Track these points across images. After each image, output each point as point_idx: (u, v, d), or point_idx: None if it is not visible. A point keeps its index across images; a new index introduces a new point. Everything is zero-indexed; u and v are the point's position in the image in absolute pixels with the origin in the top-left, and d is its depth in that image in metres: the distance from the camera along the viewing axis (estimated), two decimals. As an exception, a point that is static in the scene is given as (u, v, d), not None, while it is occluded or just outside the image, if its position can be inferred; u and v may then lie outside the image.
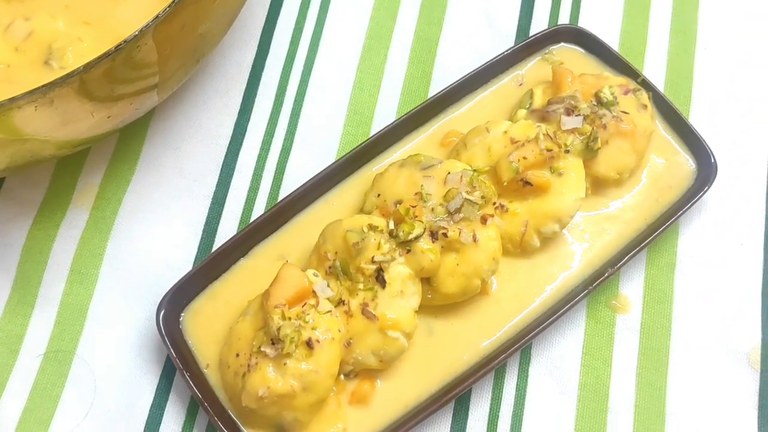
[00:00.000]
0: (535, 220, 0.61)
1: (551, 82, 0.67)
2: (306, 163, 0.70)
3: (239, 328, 0.58)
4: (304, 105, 0.73)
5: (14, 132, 0.52)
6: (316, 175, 0.65)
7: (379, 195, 0.61)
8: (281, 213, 0.65)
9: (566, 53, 0.71)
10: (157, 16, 0.51)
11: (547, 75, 0.68)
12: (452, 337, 0.61)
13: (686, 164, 0.67)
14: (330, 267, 0.58)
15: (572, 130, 0.62)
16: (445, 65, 0.74)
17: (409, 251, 0.57)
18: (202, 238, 0.67)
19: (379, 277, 0.57)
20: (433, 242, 0.57)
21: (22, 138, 0.53)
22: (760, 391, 0.62)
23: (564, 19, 0.75)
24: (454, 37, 0.75)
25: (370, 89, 0.73)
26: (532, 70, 0.71)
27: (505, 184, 0.60)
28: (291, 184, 0.68)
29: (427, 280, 0.59)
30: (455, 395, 0.58)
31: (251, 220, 0.66)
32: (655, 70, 0.73)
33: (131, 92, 0.57)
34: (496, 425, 0.61)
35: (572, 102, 0.63)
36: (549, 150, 0.61)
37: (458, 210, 0.58)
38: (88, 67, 0.49)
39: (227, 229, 0.68)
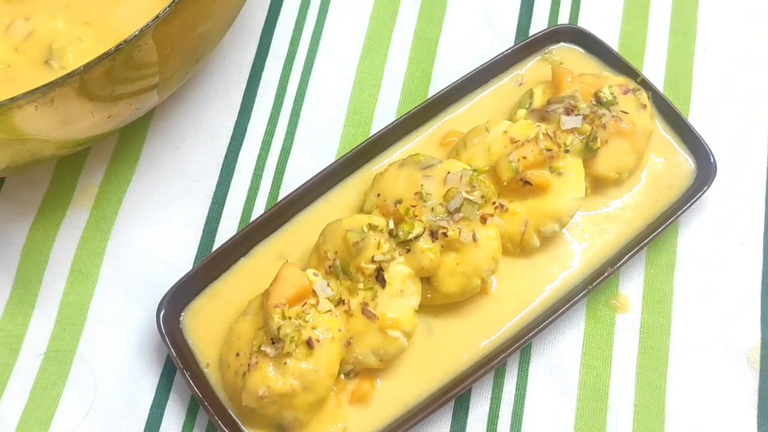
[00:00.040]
0: (535, 219, 0.61)
1: (551, 82, 0.67)
2: (306, 163, 0.70)
3: (239, 328, 0.58)
4: (304, 105, 0.73)
5: (15, 132, 0.52)
6: (316, 174, 0.65)
7: (379, 195, 0.61)
8: (281, 213, 0.65)
9: (566, 53, 0.71)
10: (157, 16, 0.51)
11: (547, 75, 0.68)
12: (452, 337, 0.61)
13: (686, 164, 0.67)
14: (330, 266, 0.58)
15: (572, 130, 0.62)
16: (444, 65, 0.74)
17: (408, 251, 0.57)
18: (202, 238, 0.67)
19: (379, 277, 0.57)
20: (432, 242, 0.58)
21: (22, 138, 0.53)
22: (759, 391, 0.62)
23: (564, 18, 0.75)
24: (454, 37, 0.75)
25: (370, 89, 0.73)
26: (532, 69, 0.71)
27: (505, 183, 0.61)
28: (291, 183, 0.68)
29: (427, 280, 0.59)
30: (455, 394, 0.58)
31: (251, 220, 0.66)
32: (654, 70, 0.73)
33: (131, 92, 0.57)
34: (496, 424, 0.61)
35: (572, 102, 0.63)
36: (549, 150, 0.61)
37: (458, 209, 0.58)
38: (89, 67, 0.49)
39: (227, 229, 0.68)
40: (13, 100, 0.48)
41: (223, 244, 0.63)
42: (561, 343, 0.63)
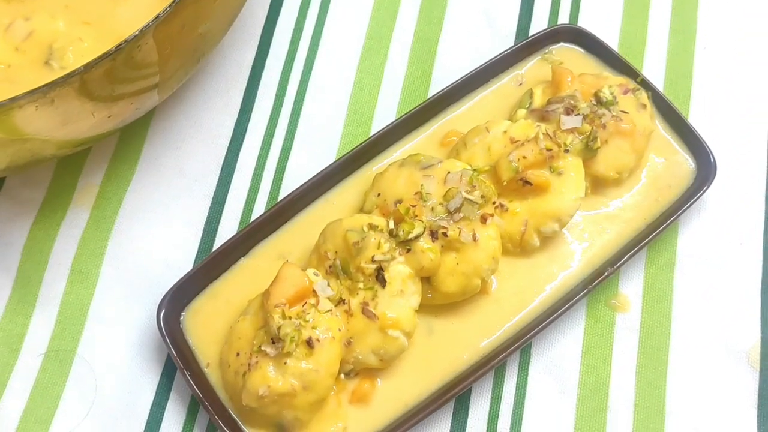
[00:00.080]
0: (535, 219, 0.61)
1: (551, 82, 0.67)
2: (306, 163, 0.70)
3: (240, 328, 0.58)
4: (305, 105, 0.73)
5: (15, 132, 0.52)
6: (316, 174, 0.65)
7: (379, 194, 0.61)
8: (281, 212, 0.65)
9: (566, 53, 0.71)
10: (157, 16, 0.51)
11: (547, 75, 0.68)
12: (452, 336, 0.61)
13: (685, 164, 0.67)
14: (330, 266, 0.58)
15: (572, 130, 0.62)
16: (445, 65, 0.74)
17: (409, 250, 0.57)
18: (202, 238, 0.67)
19: (379, 277, 0.57)
20: (433, 241, 0.58)
21: (22, 138, 0.53)
22: (759, 390, 0.62)
23: (563, 18, 0.75)
24: (454, 37, 0.75)
25: (370, 89, 0.73)
26: (532, 69, 0.71)
27: (505, 183, 0.61)
28: (291, 183, 0.68)
29: (427, 280, 0.59)
30: (455, 394, 0.58)
31: (251, 220, 0.66)
32: (654, 70, 0.73)
33: (132, 92, 0.57)
34: (496, 424, 0.61)
35: (572, 101, 0.63)
36: (549, 149, 0.61)
37: (458, 209, 0.58)
38: (89, 66, 0.50)
39: (227, 229, 0.68)
40: (13, 99, 0.48)
41: (224, 244, 0.63)
42: (561, 343, 0.63)
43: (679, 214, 0.63)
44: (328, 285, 0.57)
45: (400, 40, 0.75)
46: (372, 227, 0.58)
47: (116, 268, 0.66)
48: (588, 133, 0.62)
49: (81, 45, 0.60)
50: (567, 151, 0.62)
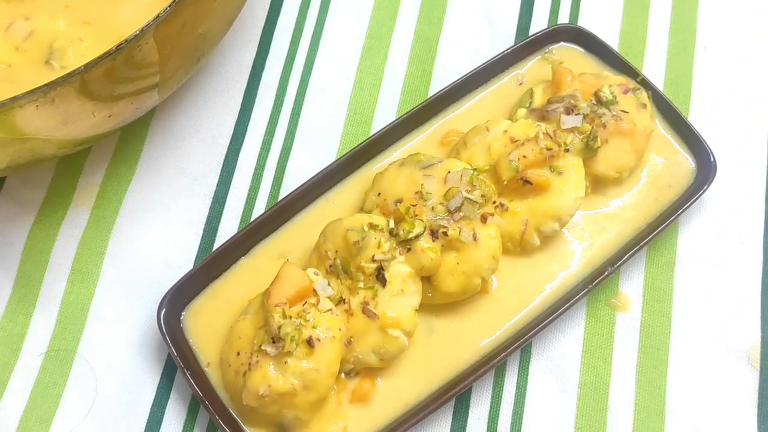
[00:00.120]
0: (535, 218, 0.61)
1: (551, 82, 0.67)
2: (306, 163, 0.70)
3: (240, 327, 0.58)
4: (305, 104, 0.73)
5: (15, 131, 0.52)
6: (317, 174, 0.65)
7: (379, 194, 0.61)
8: (282, 212, 0.65)
9: (566, 52, 0.71)
10: (157, 16, 0.51)
11: (547, 74, 0.69)
12: (452, 336, 0.61)
13: (686, 163, 0.67)
14: (330, 266, 0.58)
15: (572, 129, 0.62)
16: (445, 65, 0.74)
17: (409, 250, 0.57)
18: (202, 238, 0.67)
19: (380, 276, 0.57)
20: (433, 241, 0.58)
21: (23, 137, 0.53)
22: (759, 390, 0.62)
23: (564, 18, 0.75)
24: (454, 37, 0.75)
25: (370, 89, 0.73)
26: (532, 69, 0.71)
27: (505, 182, 0.61)
28: (291, 183, 0.68)
29: (427, 279, 0.59)
30: (455, 393, 0.58)
31: (252, 219, 0.66)
32: (654, 69, 0.73)
33: (132, 92, 0.57)
34: (497, 423, 0.61)
35: (572, 101, 0.63)
36: (549, 149, 0.61)
37: (458, 209, 0.58)
38: (89, 66, 0.50)
39: (228, 228, 0.68)
40: (14, 99, 0.48)
41: (224, 244, 0.63)
42: (561, 342, 0.63)
43: (679, 214, 0.63)
44: (329, 284, 0.57)
45: (401, 40, 0.75)
46: (372, 227, 0.58)
47: (117, 268, 0.66)
48: (588, 133, 0.62)
49: (81, 45, 0.60)
50: (567, 150, 0.62)
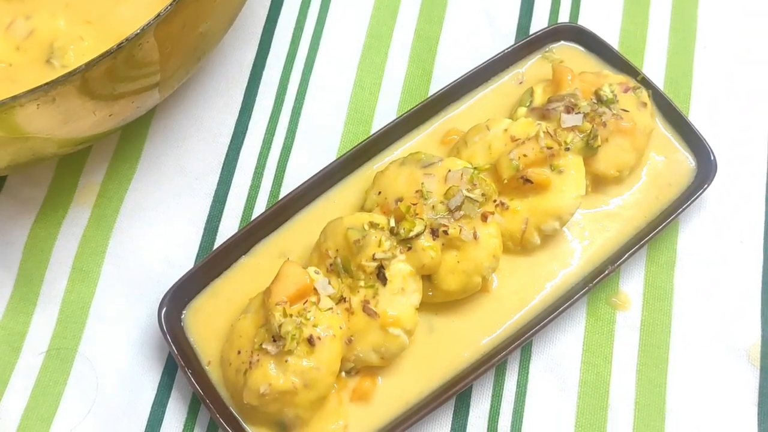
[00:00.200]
0: (536, 217, 0.61)
1: (551, 81, 0.67)
2: (307, 162, 0.70)
3: (241, 326, 0.58)
4: (305, 103, 0.73)
5: (16, 130, 0.52)
6: (317, 173, 0.65)
7: (380, 193, 0.61)
8: (282, 211, 0.65)
9: (566, 51, 0.71)
10: (158, 15, 0.51)
11: (548, 73, 0.69)
12: (453, 335, 0.61)
13: (686, 162, 0.67)
14: (331, 264, 0.58)
15: (572, 128, 0.62)
16: (445, 64, 0.74)
17: (409, 248, 0.57)
18: (203, 236, 0.67)
19: (380, 275, 0.57)
20: (433, 240, 0.58)
21: (24, 136, 0.53)
22: (759, 388, 0.62)
23: (564, 17, 0.76)
24: (455, 36, 0.75)
25: (370, 88, 0.73)
26: (533, 68, 0.71)
27: (506, 181, 0.61)
28: (292, 182, 0.68)
29: (427, 278, 0.59)
30: (456, 392, 0.58)
31: (252, 218, 0.66)
32: (654, 68, 0.73)
33: (133, 90, 0.57)
34: (497, 422, 0.61)
35: (572, 100, 0.63)
36: (549, 148, 0.61)
37: (459, 207, 0.58)
38: (90, 65, 0.50)
39: (228, 227, 0.68)
40: (15, 98, 0.48)
41: (225, 242, 0.63)
42: (562, 341, 0.63)
43: (680, 213, 0.64)
44: (329, 283, 0.57)
45: (401, 39, 0.75)
46: (373, 225, 0.58)
47: (117, 267, 0.66)
48: (588, 132, 0.62)
49: (82, 44, 0.60)
50: (567, 149, 0.62)
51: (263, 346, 0.55)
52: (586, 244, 0.64)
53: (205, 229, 0.68)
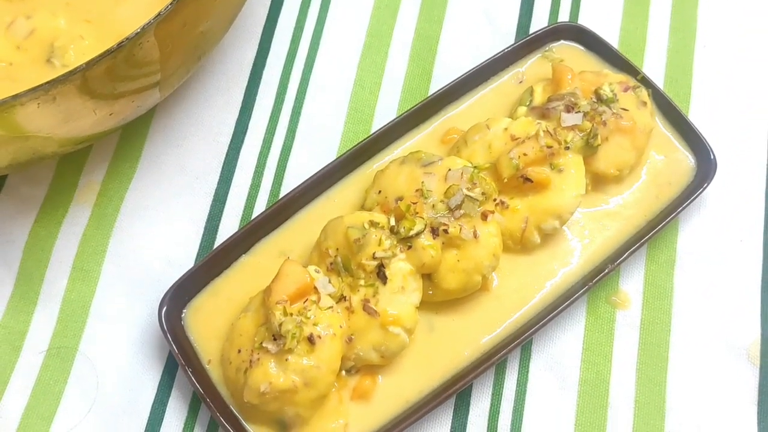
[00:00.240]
0: (536, 216, 0.61)
1: (551, 80, 0.67)
2: (307, 161, 0.70)
3: (241, 324, 0.58)
4: (305, 103, 0.73)
5: (17, 129, 0.52)
6: (317, 172, 0.65)
7: (380, 192, 0.62)
8: (282, 210, 0.65)
9: (566, 51, 0.72)
10: (158, 14, 0.51)
11: (547, 72, 0.69)
12: (453, 333, 0.61)
13: (686, 161, 0.67)
14: (331, 263, 0.58)
15: (572, 127, 0.63)
16: (445, 63, 0.74)
17: (410, 247, 0.57)
18: (203, 235, 0.67)
19: (380, 273, 0.57)
20: (433, 238, 0.58)
21: (24, 135, 0.53)
22: (759, 387, 0.62)
23: (564, 16, 0.76)
24: (455, 35, 0.75)
25: (370, 87, 0.73)
26: (532, 67, 0.71)
27: (506, 180, 0.61)
28: (292, 181, 0.68)
29: (428, 277, 0.59)
30: (456, 391, 0.58)
31: (252, 217, 0.67)
32: (654, 68, 0.73)
33: (133, 90, 0.57)
34: (497, 420, 0.61)
35: (572, 99, 0.64)
36: (549, 147, 0.61)
37: (459, 206, 0.58)
38: (91, 64, 0.50)
39: (229, 226, 0.68)
40: (15, 97, 0.48)
41: (225, 242, 0.63)
42: (562, 340, 0.64)
43: (680, 211, 0.64)
44: (329, 282, 0.57)
45: (401, 39, 0.75)
46: (373, 224, 0.58)
47: (118, 266, 0.66)
48: (588, 131, 0.62)
49: (82, 43, 0.60)
50: (567, 148, 0.62)
51: (263, 345, 0.55)
52: (586, 242, 0.64)
53: (205, 228, 0.68)
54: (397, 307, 0.57)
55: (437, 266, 0.58)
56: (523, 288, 0.62)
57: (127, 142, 0.71)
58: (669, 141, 0.68)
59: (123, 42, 0.50)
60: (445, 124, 0.69)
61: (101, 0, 0.61)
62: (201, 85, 0.73)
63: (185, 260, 0.66)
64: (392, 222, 0.58)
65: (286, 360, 0.54)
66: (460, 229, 0.58)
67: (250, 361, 0.55)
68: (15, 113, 0.49)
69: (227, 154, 0.70)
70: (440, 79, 0.73)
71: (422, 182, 0.60)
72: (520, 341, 0.59)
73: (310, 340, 0.54)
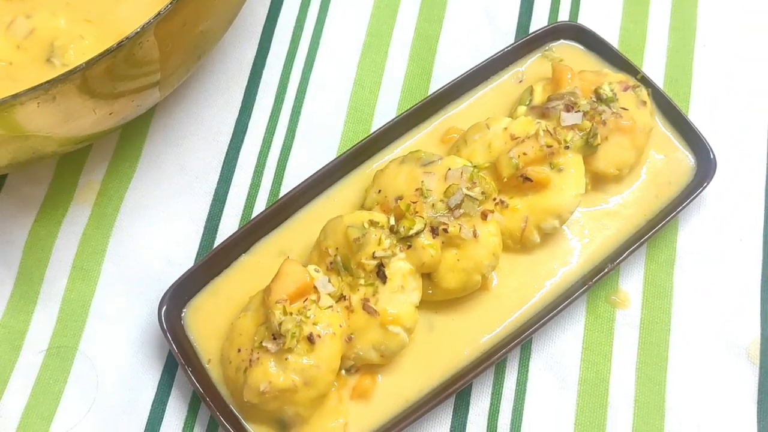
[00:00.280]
0: (535, 215, 0.61)
1: (551, 79, 0.67)
2: (307, 161, 0.70)
3: (241, 324, 0.58)
4: (305, 102, 0.73)
5: (17, 128, 0.52)
6: (317, 171, 0.65)
7: (379, 191, 0.62)
8: (282, 209, 0.65)
9: (566, 50, 0.72)
10: (158, 14, 0.51)
11: (547, 72, 0.69)
12: (453, 333, 0.61)
13: (685, 160, 0.67)
14: (331, 262, 0.58)
15: (572, 127, 0.63)
16: (445, 62, 0.74)
17: (409, 247, 0.57)
18: (203, 235, 0.68)
19: (380, 273, 0.57)
20: (433, 238, 0.58)
21: (24, 134, 0.53)
22: (759, 386, 0.62)
23: (564, 16, 0.76)
24: (454, 35, 0.75)
25: (370, 86, 0.73)
26: (532, 67, 0.71)
27: (505, 180, 0.61)
28: (292, 180, 0.68)
29: (427, 276, 0.59)
30: (456, 390, 0.58)
31: (252, 217, 0.67)
32: (654, 67, 0.73)
33: (133, 89, 0.57)
34: (497, 420, 0.61)
35: (572, 98, 0.64)
36: (549, 146, 0.61)
37: (458, 206, 0.58)
38: (90, 63, 0.50)
39: (228, 226, 0.68)
40: (15, 96, 0.48)
41: (225, 241, 0.63)
42: (561, 339, 0.64)
43: (679, 211, 0.64)
44: (329, 281, 0.57)
45: (401, 38, 0.75)
46: (373, 224, 0.58)
47: (117, 265, 0.66)
48: (588, 130, 0.62)
49: (82, 42, 0.60)
50: (567, 147, 0.62)
51: (263, 344, 0.55)
52: (585, 242, 0.64)
53: (205, 227, 0.68)
54: (396, 306, 0.57)
55: (437, 265, 0.58)
56: (523, 287, 0.62)
57: (126, 142, 0.71)
58: (669, 140, 0.68)
59: (123, 41, 0.50)
60: (444, 124, 0.69)
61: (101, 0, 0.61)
62: (201, 84, 0.73)
63: (185, 260, 0.66)
64: (392, 221, 0.58)
65: (286, 359, 0.54)
66: (460, 228, 0.58)
67: (250, 361, 0.55)
68: (15, 112, 0.49)
69: (227, 154, 0.71)
70: (440, 79, 0.73)
71: (422, 182, 0.60)
72: (520, 340, 0.59)
73: (310, 339, 0.54)
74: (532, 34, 0.71)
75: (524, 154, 0.60)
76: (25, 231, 0.67)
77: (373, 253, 0.57)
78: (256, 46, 0.75)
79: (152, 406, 0.62)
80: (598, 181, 0.65)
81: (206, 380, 0.59)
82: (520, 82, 0.70)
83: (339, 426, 0.58)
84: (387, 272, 0.57)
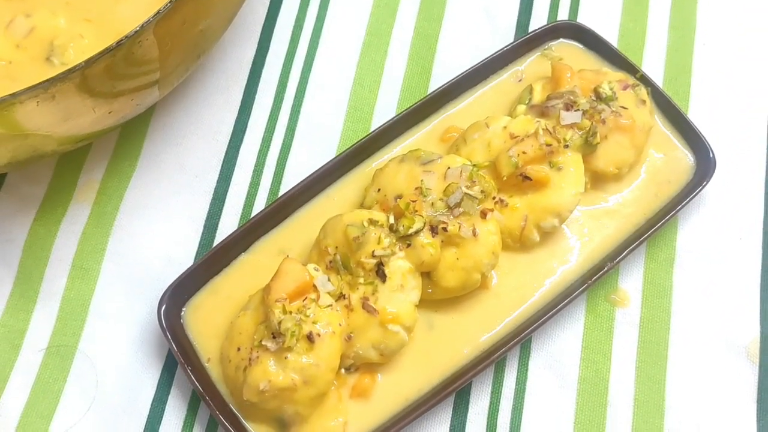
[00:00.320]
0: (535, 214, 0.61)
1: (550, 78, 0.67)
2: (306, 159, 0.70)
3: (240, 323, 0.58)
4: (305, 101, 0.73)
5: (16, 127, 0.52)
6: (317, 170, 0.65)
7: (379, 190, 0.62)
8: (282, 208, 0.65)
9: (565, 49, 0.72)
10: (157, 13, 0.51)
11: (547, 71, 0.69)
12: (452, 331, 0.61)
13: (685, 159, 0.67)
14: (330, 261, 0.58)
15: (571, 125, 0.63)
16: (444, 61, 0.74)
17: (409, 245, 0.57)
18: (203, 234, 0.68)
19: (380, 272, 0.57)
20: (433, 236, 0.58)
21: (23, 133, 0.53)
22: (759, 384, 0.62)
23: (563, 15, 0.76)
24: (454, 34, 0.75)
25: (370, 85, 0.73)
26: (532, 65, 0.71)
27: (505, 178, 0.61)
28: (291, 179, 0.68)
29: (427, 275, 0.59)
30: (455, 389, 0.58)
31: (252, 216, 0.67)
32: (654, 66, 0.73)
33: (132, 88, 0.57)
34: (496, 419, 0.61)
35: (571, 97, 0.64)
36: (548, 145, 0.61)
37: (458, 204, 0.58)
38: (90, 62, 0.50)
39: (228, 225, 0.68)
40: (14, 95, 0.48)
41: (224, 240, 0.63)
42: (561, 338, 0.64)
43: (679, 210, 0.64)
44: (329, 280, 0.57)
45: (400, 37, 0.75)
46: (372, 222, 0.58)
47: (117, 264, 0.66)
48: (587, 129, 0.62)
49: (82, 41, 0.60)
50: (566, 146, 0.62)
51: (263, 343, 0.55)
52: (585, 241, 0.64)
53: (204, 226, 0.68)
54: (396, 305, 0.57)
55: (436, 264, 0.58)
56: (523, 286, 0.62)
57: (126, 141, 0.71)
58: (668, 139, 0.68)
59: (122, 40, 0.50)
60: (444, 123, 0.69)
61: (101, -1, 0.62)
62: (200, 83, 0.73)
63: (185, 258, 0.66)
64: (391, 220, 0.58)
65: (286, 358, 0.54)
66: (460, 227, 0.58)
67: (250, 360, 0.55)
68: (14, 111, 0.49)
69: (227, 153, 0.71)
70: (439, 78, 0.73)
71: (421, 180, 0.60)
72: (520, 339, 0.59)
73: (310, 338, 0.54)
74: (531, 33, 0.71)
75: (524, 152, 0.60)
76: (24, 230, 0.67)
77: (373, 251, 0.57)
78: (256, 46, 0.75)
79: (152, 405, 0.62)
80: (597, 179, 0.65)
81: (206, 379, 0.59)
82: (520, 81, 0.70)
83: (338, 425, 0.58)
84: (386, 271, 0.57)
